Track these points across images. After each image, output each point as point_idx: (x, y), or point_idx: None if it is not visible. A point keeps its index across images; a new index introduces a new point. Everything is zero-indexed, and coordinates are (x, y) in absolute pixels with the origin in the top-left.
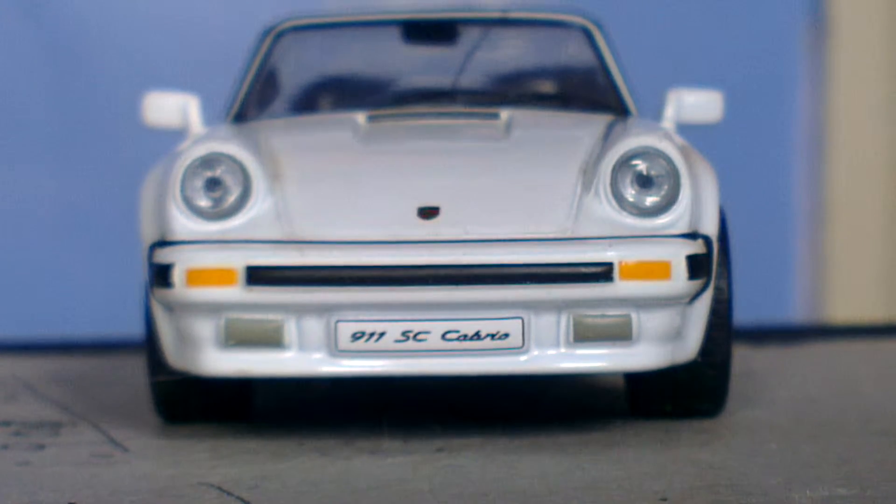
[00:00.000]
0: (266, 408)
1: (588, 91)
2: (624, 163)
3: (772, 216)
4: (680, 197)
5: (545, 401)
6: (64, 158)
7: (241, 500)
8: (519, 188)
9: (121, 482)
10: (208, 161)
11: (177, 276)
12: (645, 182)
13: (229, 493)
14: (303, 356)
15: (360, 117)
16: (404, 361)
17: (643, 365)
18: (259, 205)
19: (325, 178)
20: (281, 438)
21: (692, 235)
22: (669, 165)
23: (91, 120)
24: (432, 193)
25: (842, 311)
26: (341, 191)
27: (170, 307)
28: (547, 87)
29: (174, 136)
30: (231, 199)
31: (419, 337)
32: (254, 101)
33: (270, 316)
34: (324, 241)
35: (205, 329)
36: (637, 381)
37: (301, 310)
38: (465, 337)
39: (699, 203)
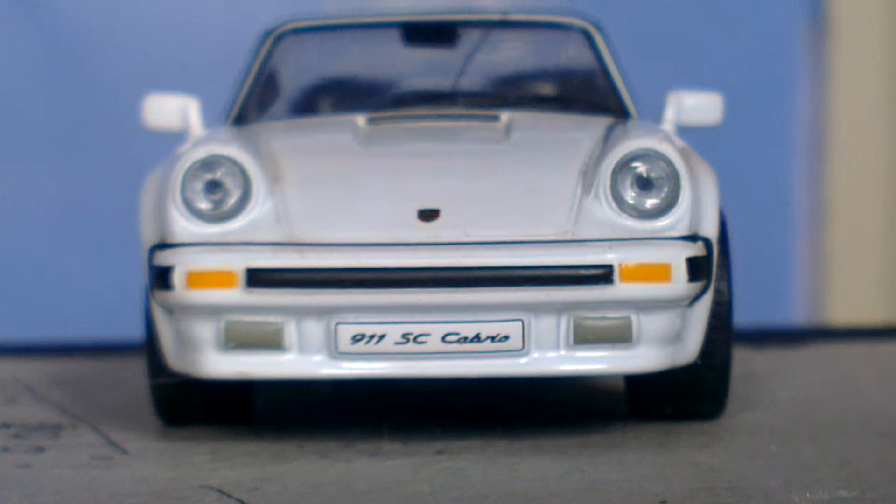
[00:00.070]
0: (266, 410)
1: (588, 93)
2: (624, 165)
3: (772, 217)
4: (680, 199)
5: (545, 403)
6: (64, 159)
7: (241, 502)
8: (519, 190)
9: (121, 485)
10: (208, 163)
11: (177, 278)
12: (645, 184)
13: (229, 496)
14: (303, 358)
15: (360, 119)
16: (404, 364)
17: (643, 367)
18: (259, 207)
19: (326, 180)
20: (281, 441)
21: (692, 238)
22: (669, 168)
23: (91, 120)
24: (432, 196)
25: (842, 312)
26: (341, 193)
27: (170, 309)
28: (547, 89)
29: (174, 136)
30: (231, 201)
31: (419, 339)
32: (254, 103)
33: (270, 318)
34: (324, 243)
35: (205, 331)
36: (637, 384)
37: (301, 312)
38: (465, 339)
39: (699, 205)
